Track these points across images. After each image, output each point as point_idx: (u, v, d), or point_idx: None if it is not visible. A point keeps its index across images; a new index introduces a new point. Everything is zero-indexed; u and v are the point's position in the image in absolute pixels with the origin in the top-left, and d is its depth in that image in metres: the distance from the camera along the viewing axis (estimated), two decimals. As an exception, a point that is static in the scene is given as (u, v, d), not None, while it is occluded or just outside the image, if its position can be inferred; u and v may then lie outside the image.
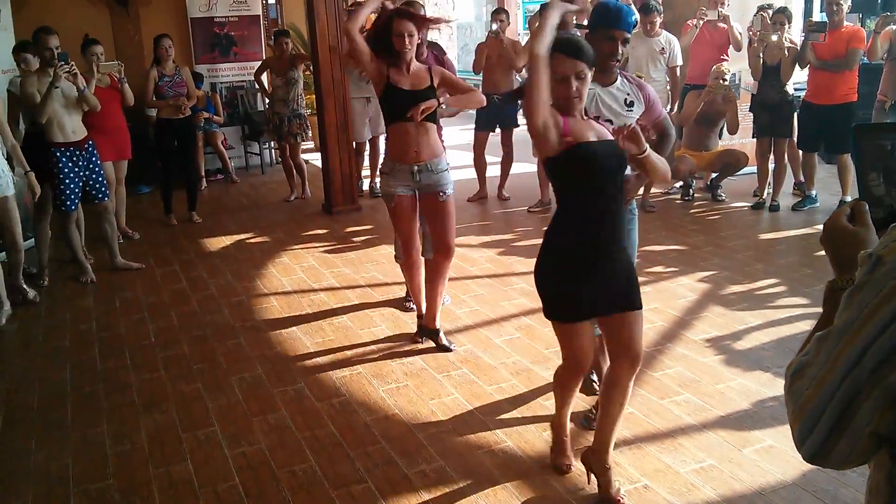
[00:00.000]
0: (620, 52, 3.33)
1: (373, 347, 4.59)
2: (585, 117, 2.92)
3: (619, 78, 3.42)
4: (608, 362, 3.13)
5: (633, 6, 6.15)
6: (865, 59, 7.10)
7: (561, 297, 2.97)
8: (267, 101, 9.00)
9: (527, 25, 11.19)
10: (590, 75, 2.85)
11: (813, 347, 1.15)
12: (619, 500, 3.01)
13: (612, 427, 3.01)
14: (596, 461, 3.04)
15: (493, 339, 4.59)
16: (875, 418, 1.07)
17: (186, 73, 7.45)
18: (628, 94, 3.40)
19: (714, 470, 3.22)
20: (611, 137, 2.83)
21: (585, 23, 3.78)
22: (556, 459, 3.29)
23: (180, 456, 3.51)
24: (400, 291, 5.39)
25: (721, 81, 7.07)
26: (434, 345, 4.50)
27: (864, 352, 1.06)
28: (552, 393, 3.45)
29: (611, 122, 3.19)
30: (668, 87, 7.35)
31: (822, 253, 5.22)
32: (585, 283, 2.87)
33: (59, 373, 4.46)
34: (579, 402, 3.57)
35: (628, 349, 2.94)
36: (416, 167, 4.25)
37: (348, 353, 4.53)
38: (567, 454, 3.27)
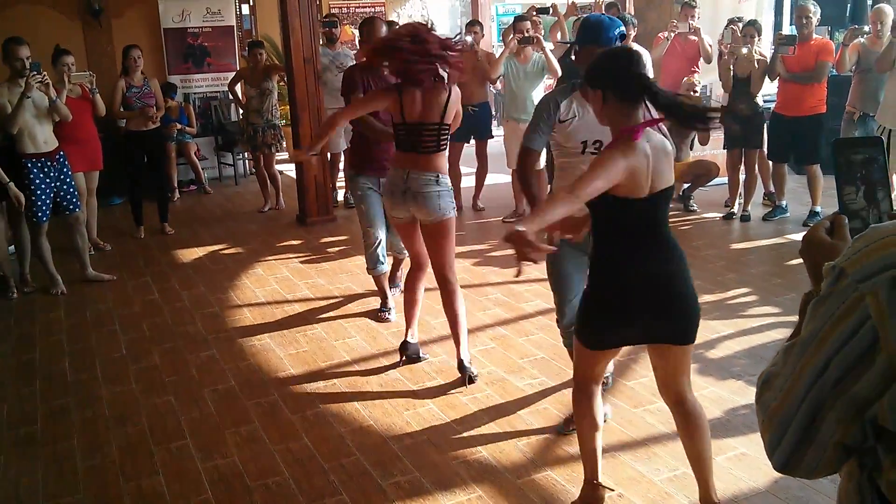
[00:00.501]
0: None
1: (347, 358, 4.58)
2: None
3: None
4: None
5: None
6: (834, 71, 7.22)
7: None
8: (241, 111, 8.97)
9: (500, 37, 11.24)
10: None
11: (780, 358, 1.16)
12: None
13: (703, 465, 2.90)
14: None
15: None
16: (840, 429, 1.08)
17: (155, 84, 7.39)
18: None
19: (688, 478, 3.22)
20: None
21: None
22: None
23: (152, 469, 3.47)
24: (375, 302, 5.38)
25: (692, 93, 7.14)
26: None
27: (828, 363, 1.07)
28: (529, 404, 3.45)
29: (600, 143, 3.15)
30: None
31: (794, 262, 5.31)
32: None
33: (28, 386, 4.40)
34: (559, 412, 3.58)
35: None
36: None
37: (322, 364, 4.51)
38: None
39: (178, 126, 9.11)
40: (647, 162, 2.51)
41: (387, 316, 5.10)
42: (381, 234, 5.00)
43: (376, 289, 5.30)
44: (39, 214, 5.74)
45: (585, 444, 2.98)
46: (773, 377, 1.16)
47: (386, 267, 5.15)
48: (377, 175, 4.87)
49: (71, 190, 5.94)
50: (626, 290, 2.67)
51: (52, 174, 5.78)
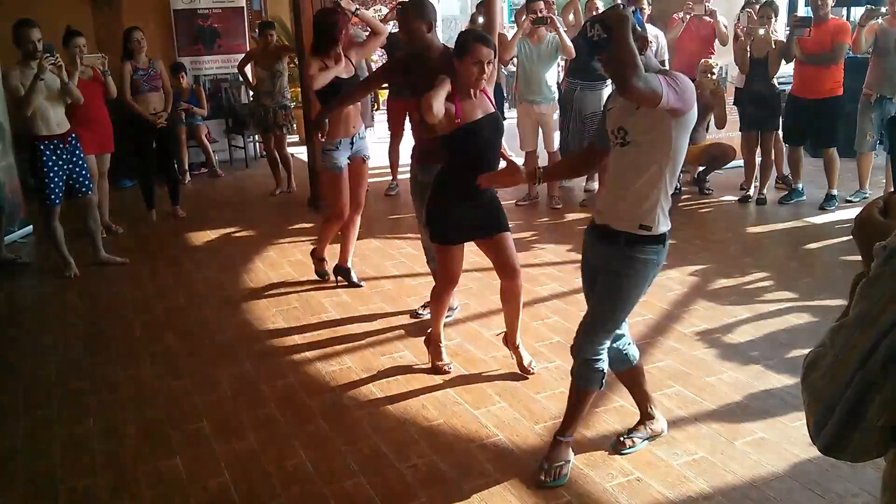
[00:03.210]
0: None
1: (362, 342, 4.56)
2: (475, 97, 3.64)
3: None
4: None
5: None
6: (851, 52, 7.13)
7: (444, 226, 3.82)
8: (251, 93, 8.93)
9: (513, 18, 11.16)
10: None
11: (828, 339, 1.13)
12: (530, 371, 4.02)
13: (516, 319, 4.00)
14: (510, 344, 4.06)
15: (482, 333, 4.57)
16: (887, 412, 1.05)
17: (160, 65, 7.34)
18: None
19: (706, 462, 3.22)
20: (492, 110, 3.73)
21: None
22: (438, 362, 4.10)
23: (169, 452, 3.47)
24: (388, 284, 5.37)
25: (709, 76, 7.07)
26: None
27: (877, 345, 1.04)
28: (546, 388, 3.44)
29: (624, 131, 2.90)
30: None
31: (811, 246, 5.27)
32: (463, 215, 3.70)
33: (44, 369, 4.40)
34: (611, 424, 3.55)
35: (506, 265, 3.89)
36: None
37: (337, 347, 4.50)
38: (444, 358, 4.13)
39: (187, 106, 9.07)
40: None
41: (424, 314, 4.87)
42: None
43: (391, 272, 5.29)
44: (52, 197, 5.73)
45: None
46: (819, 358, 1.14)
47: None
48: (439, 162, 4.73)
49: (83, 172, 5.93)
50: None
51: (64, 156, 5.76)
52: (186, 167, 9.32)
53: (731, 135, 7.76)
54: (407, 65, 4.43)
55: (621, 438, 3.36)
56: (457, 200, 3.78)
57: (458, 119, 3.61)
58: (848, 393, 1.08)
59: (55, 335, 4.88)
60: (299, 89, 8.48)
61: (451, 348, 4.36)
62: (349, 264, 5.43)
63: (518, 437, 3.47)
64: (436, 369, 4.11)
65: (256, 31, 9.20)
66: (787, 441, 3.33)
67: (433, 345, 4.17)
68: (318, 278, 5.61)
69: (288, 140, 8.58)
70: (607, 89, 3.34)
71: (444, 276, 4.03)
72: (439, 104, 3.49)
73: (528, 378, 4.00)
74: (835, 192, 6.93)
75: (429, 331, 4.23)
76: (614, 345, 3.15)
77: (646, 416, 3.36)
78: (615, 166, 2.94)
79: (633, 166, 2.85)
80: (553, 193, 7.39)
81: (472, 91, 3.66)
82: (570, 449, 3.23)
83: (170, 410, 3.85)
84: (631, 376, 3.32)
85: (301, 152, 9.19)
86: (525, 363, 4.05)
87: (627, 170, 2.87)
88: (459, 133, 3.63)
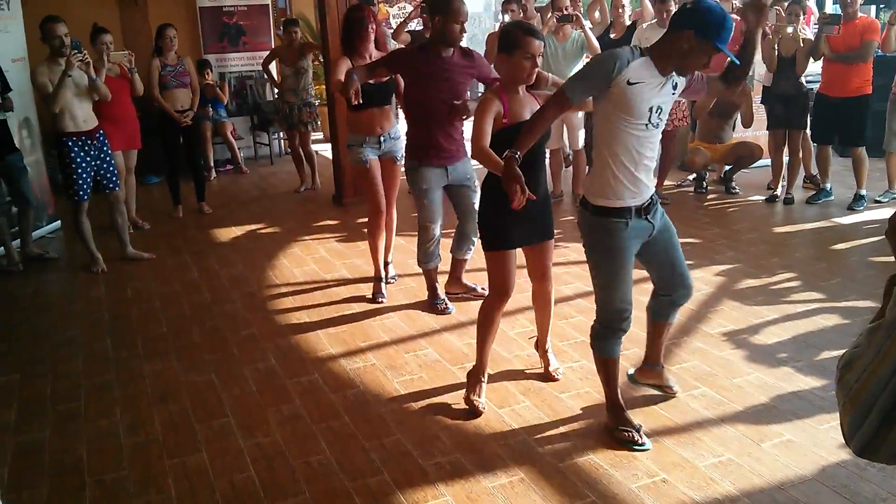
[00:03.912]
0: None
1: (386, 339, 4.57)
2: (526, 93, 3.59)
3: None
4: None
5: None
6: (880, 51, 7.04)
7: (501, 229, 3.61)
8: (276, 90, 8.97)
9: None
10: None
11: (864, 339, 1.12)
12: (555, 377, 3.96)
13: (548, 322, 3.99)
14: (540, 349, 4.04)
15: (506, 332, 4.55)
16: None
17: (189, 63, 7.40)
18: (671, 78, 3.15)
19: (732, 464, 3.19)
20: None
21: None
22: (473, 397, 3.74)
23: (195, 446, 3.49)
24: (411, 282, 5.37)
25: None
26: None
27: None
28: (570, 388, 3.42)
29: (661, 108, 3.09)
30: None
31: (839, 246, 5.22)
32: (520, 216, 3.37)
33: (71, 363, 4.45)
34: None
35: (545, 270, 3.85)
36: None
37: (361, 344, 4.51)
38: (481, 396, 3.75)
39: (217, 91, 9.19)
40: None
41: (446, 308, 4.93)
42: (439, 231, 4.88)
43: (414, 270, 5.29)
44: (80, 193, 5.79)
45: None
46: (855, 359, 1.13)
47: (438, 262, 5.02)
48: (444, 165, 4.67)
49: (111, 168, 5.98)
50: None
51: (92, 153, 5.82)
52: (212, 164, 9.40)
53: (757, 134, 7.70)
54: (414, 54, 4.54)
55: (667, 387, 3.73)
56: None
57: (506, 119, 3.47)
58: (883, 396, 1.06)
59: (83, 330, 4.93)
60: (324, 87, 8.52)
61: (474, 346, 4.34)
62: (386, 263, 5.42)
63: (542, 437, 3.45)
64: (469, 405, 3.70)
65: (281, 28, 9.24)
66: (815, 444, 3.30)
67: (474, 377, 3.79)
68: (344, 275, 5.62)
69: (312, 137, 8.61)
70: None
71: (498, 287, 3.69)
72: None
73: (551, 378, 3.98)
74: (863, 192, 6.84)
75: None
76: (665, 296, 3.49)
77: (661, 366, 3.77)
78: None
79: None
80: (578, 192, 7.36)
81: (519, 89, 3.56)
82: (626, 412, 3.44)
83: (195, 405, 3.87)
84: (659, 328, 3.63)
85: (326, 149, 9.22)
86: (551, 368, 4.01)
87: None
88: (507, 133, 3.39)
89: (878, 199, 6.93)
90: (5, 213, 6.04)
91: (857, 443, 1.12)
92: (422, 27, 7.70)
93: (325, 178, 8.48)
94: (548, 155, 7.07)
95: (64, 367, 4.41)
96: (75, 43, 5.59)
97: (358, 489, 3.12)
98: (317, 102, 8.69)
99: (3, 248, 6.20)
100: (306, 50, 8.34)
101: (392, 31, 8.65)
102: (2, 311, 5.36)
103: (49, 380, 4.25)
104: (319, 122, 8.68)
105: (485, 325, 3.73)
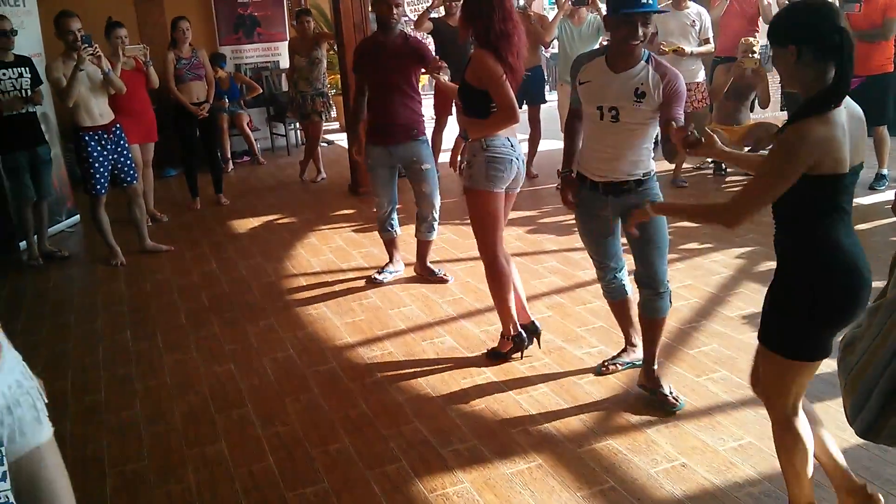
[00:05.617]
0: (640, 34, 3.12)
1: (403, 327, 4.57)
2: None
3: (642, 64, 3.21)
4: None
5: None
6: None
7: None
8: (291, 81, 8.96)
9: (553, 0, 11.03)
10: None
11: (864, 320, 1.10)
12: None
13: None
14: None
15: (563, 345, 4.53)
16: None
17: (203, 55, 7.42)
18: (641, 85, 3.18)
19: (752, 447, 3.16)
20: None
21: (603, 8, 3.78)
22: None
23: (214, 436, 3.51)
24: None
25: (750, 55, 6.92)
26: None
27: None
28: (588, 373, 3.41)
29: (615, 109, 3.21)
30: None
31: (859, 227, 5.11)
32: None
33: (91, 355, 4.48)
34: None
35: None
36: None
37: (379, 332, 4.52)
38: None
39: (240, 79, 9.24)
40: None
41: (379, 278, 5.28)
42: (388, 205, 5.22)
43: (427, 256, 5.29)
44: (98, 187, 5.82)
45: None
46: (856, 339, 1.11)
47: (396, 233, 5.36)
48: (385, 144, 5.00)
49: (128, 162, 6.01)
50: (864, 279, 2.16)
51: (108, 146, 5.84)
52: (229, 155, 9.43)
53: (775, 114, 7.61)
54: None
55: (605, 364, 3.83)
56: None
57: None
58: (884, 378, 1.04)
59: (103, 322, 4.97)
60: (338, 76, 8.50)
61: (493, 333, 4.34)
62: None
63: (561, 423, 3.44)
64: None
65: (295, 18, 9.23)
66: (836, 426, 3.25)
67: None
68: (360, 264, 5.62)
69: (326, 127, 8.59)
70: (633, 80, 3.23)
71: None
72: None
73: (569, 364, 3.97)
74: (885, 171, 6.75)
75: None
76: (616, 275, 3.68)
77: (628, 344, 3.86)
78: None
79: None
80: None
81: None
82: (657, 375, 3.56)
83: (214, 395, 3.90)
84: (621, 305, 3.78)
85: (342, 139, 9.22)
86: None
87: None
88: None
89: (900, 178, 6.83)
90: (29, 207, 6.08)
91: (858, 426, 1.11)
92: (444, 14, 7.66)
93: (341, 168, 8.47)
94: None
95: (85, 359, 4.44)
96: (86, 37, 5.61)
97: (376, 477, 3.13)
98: (332, 92, 8.67)
99: (25, 242, 6.26)
100: (320, 39, 8.31)
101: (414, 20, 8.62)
102: (25, 305, 5.41)
103: (70, 372, 4.29)
104: (334, 112, 8.67)
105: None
